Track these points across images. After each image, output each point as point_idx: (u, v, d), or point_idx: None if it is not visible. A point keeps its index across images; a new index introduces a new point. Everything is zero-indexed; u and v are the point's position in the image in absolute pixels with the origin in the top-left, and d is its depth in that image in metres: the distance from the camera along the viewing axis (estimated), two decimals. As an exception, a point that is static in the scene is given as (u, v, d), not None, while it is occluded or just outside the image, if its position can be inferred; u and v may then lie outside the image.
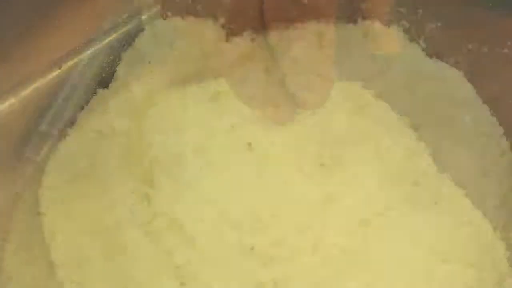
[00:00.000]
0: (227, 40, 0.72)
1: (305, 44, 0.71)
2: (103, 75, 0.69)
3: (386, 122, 0.63)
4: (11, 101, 0.61)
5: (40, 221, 0.57)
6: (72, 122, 0.65)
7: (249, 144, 0.63)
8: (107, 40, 0.68)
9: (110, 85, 0.69)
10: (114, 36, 0.69)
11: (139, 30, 0.72)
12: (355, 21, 0.73)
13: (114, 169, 0.62)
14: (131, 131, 0.66)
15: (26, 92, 0.62)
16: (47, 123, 0.63)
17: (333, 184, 0.59)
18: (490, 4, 0.61)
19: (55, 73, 0.65)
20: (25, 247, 0.56)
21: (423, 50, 0.71)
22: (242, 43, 0.72)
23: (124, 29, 0.70)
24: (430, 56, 0.70)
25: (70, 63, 0.65)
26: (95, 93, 0.68)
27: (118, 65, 0.70)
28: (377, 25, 0.72)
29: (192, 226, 0.57)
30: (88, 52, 0.67)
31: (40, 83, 0.63)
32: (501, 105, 0.65)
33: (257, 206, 0.57)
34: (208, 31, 0.74)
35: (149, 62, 0.70)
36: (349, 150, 0.61)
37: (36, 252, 0.56)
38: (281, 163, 0.61)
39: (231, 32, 0.72)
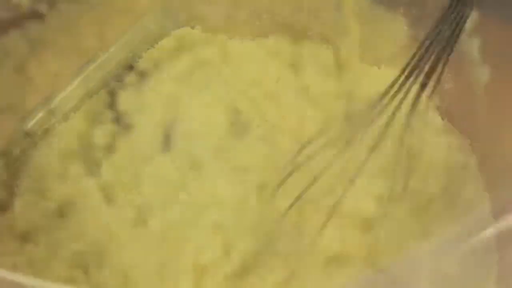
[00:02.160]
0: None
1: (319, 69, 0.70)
2: (120, 69, 0.71)
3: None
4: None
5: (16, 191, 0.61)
6: (78, 108, 0.68)
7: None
8: (129, 38, 0.72)
9: (124, 80, 0.71)
10: (137, 35, 0.72)
11: (164, 34, 0.74)
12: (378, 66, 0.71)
13: (98, 158, 0.65)
14: (128, 126, 0.68)
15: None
16: (56, 103, 0.67)
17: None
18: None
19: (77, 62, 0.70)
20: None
21: (437, 108, 0.68)
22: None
23: (148, 30, 0.73)
24: (442, 117, 0.67)
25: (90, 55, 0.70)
26: (108, 85, 0.70)
27: (137, 62, 0.72)
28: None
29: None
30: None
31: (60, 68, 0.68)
32: (501, 183, 0.61)
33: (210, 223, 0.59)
34: (231, 45, 0.76)
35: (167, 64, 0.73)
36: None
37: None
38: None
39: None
